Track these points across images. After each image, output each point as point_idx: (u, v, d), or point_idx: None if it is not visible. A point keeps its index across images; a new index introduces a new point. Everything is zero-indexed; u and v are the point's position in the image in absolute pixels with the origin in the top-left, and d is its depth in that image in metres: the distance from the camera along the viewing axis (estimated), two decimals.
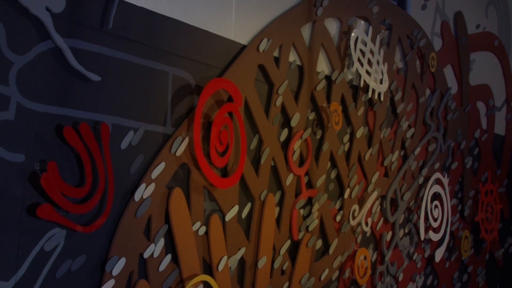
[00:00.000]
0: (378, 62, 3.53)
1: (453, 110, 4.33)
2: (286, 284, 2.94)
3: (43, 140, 1.93)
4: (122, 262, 2.15)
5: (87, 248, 2.07)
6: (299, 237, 3.01)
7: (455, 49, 4.48)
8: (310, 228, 3.08)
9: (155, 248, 2.28)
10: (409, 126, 3.92)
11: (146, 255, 2.25)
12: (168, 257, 2.33)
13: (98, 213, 2.09)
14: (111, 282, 2.12)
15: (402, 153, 3.86)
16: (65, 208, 1.96)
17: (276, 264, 2.87)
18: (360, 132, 3.44)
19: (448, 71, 4.35)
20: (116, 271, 2.13)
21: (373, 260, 3.62)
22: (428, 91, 4.10)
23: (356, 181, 3.42)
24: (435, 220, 4.08)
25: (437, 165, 4.12)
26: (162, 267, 2.31)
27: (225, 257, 2.57)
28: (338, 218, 3.30)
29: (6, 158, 1.83)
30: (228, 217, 2.61)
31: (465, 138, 4.47)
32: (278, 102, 2.88)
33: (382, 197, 3.69)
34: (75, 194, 2.00)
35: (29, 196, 1.89)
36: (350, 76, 3.38)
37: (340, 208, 3.33)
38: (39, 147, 1.92)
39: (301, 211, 3.04)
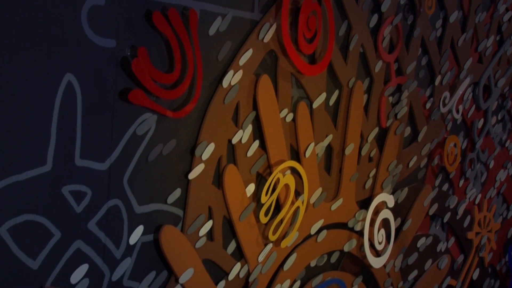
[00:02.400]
0: None
1: None
2: (373, 171, 2.95)
3: (133, 25, 1.94)
4: (211, 147, 2.19)
5: (177, 133, 2.11)
6: (387, 125, 2.99)
7: None
8: (398, 116, 3.04)
9: (243, 134, 2.31)
10: (507, 10, 3.74)
11: (234, 140, 2.29)
12: (256, 143, 2.37)
13: (188, 99, 2.12)
14: (201, 166, 2.18)
15: (497, 38, 3.72)
16: (156, 94, 1.99)
17: (364, 151, 2.87)
18: (454, 17, 3.31)
19: None
20: (205, 155, 2.18)
21: (463, 147, 3.57)
22: None
23: (448, 68, 3.33)
24: None
25: None
26: (250, 153, 2.35)
27: (312, 144, 2.59)
28: (428, 105, 3.24)
29: (98, 43, 1.86)
30: (315, 104, 2.60)
31: None
32: None
33: (475, 84, 3.59)
34: (165, 80, 2.03)
35: (121, 81, 1.93)
36: None
37: (431, 95, 3.27)
38: (129, 33, 1.94)
39: (390, 98, 3.00)
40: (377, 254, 2.98)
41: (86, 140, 1.85)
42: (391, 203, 3.01)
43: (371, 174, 2.94)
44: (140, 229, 2.02)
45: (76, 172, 1.84)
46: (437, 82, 3.26)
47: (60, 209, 1.81)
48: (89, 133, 1.86)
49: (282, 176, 2.44)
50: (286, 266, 2.53)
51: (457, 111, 3.44)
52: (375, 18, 2.84)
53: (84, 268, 1.87)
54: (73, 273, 1.85)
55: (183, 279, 2.14)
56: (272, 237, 2.44)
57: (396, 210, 3.10)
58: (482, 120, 3.67)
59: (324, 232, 2.70)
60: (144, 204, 2.04)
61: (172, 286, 2.14)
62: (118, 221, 1.97)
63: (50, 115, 1.76)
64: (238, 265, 2.35)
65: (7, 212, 1.69)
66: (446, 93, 3.33)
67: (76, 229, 1.86)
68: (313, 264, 2.69)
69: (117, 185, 1.96)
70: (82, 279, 1.88)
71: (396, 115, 3.03)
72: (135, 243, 2.02)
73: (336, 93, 2.71)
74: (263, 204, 2.40)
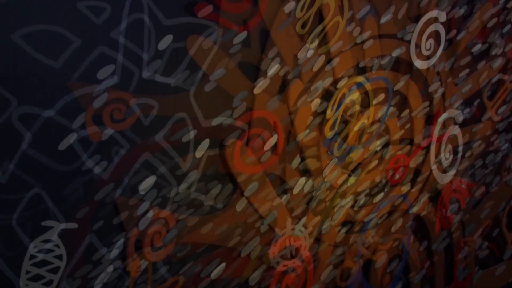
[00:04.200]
0: None
1: None
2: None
3: None
4: (276, 62, 2.18)
5: (242, 48, 2.11)
6: None
7: None
8: None
9: (309, 50, 2.29)
10: None
11: (300, 55, 2.27)
12: (322, 57, 2.34)
13: (252, 13, 2.11)
14: (266, 81, 2.17)
15: None
16: (221, 7, 1.99)
17: None
18: None
19: None
20: (270, 71, 2.18)
21: None
22: None
23: None
24: None
25: None
26: (315, 68, 2.33)
27: (379, 58, 2.54)
28: None
29: None
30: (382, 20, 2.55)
31: None
32: None
33: None
34: None
35: None
36: None
37: None
38: None
39: None
40: (443, 171, 2.95)
41: None
42: None
43: None
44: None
45: None
46: None
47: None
48: None
49: (348, 92, 2.42)
50: (350, 181, 2.54)
51: None
52: None
53: None
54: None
55: (248, 192, 2.18)
56: (337, 153, 2.44)
57: None
58: None
59: (390, 147, 2.68)
60: None
61: (237, 199, 2.18)
62: None
63: None
64: (303, 179, 2.37)
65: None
66: None
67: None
68: (377, 180, 2.69)
69: None
70: None
71: None
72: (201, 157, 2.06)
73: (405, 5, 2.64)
74: (328, 119, 2.39)
